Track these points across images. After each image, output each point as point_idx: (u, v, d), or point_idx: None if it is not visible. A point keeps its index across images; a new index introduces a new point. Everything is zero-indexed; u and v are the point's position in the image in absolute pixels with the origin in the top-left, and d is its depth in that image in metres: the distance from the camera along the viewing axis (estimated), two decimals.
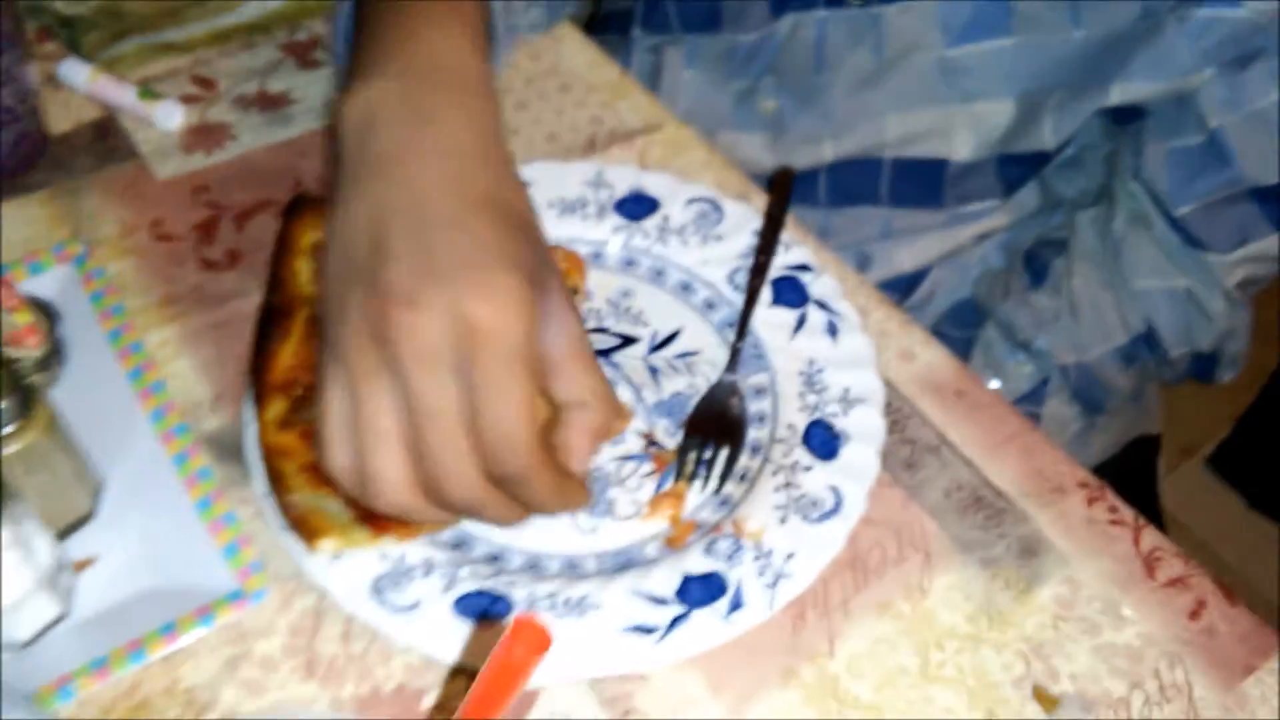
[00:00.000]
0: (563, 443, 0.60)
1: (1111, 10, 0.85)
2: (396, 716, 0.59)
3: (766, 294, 0.73)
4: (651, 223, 0.77)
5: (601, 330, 0.73)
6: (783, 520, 0.64)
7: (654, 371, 0.72)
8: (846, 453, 0.66)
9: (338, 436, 0.57)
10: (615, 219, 0.77)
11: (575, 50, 0.91)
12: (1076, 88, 0.89)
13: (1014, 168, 0.92)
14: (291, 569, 0.63)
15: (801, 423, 0.68)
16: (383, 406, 0.55)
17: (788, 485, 0.65)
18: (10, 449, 0.59)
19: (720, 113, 0.97)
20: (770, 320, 0.73)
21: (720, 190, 0.79)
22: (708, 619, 0.60)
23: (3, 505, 0.56)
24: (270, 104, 0.87)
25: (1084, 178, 0.94)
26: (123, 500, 0.65)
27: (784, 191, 0.77)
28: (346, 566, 0.61)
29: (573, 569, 0.63)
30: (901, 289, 0.95)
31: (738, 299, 0.74)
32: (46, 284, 0.74)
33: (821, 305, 0.72)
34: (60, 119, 0.85)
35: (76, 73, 0.87)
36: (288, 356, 0.66)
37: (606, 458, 0.68)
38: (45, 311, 0.71)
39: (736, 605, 0.61)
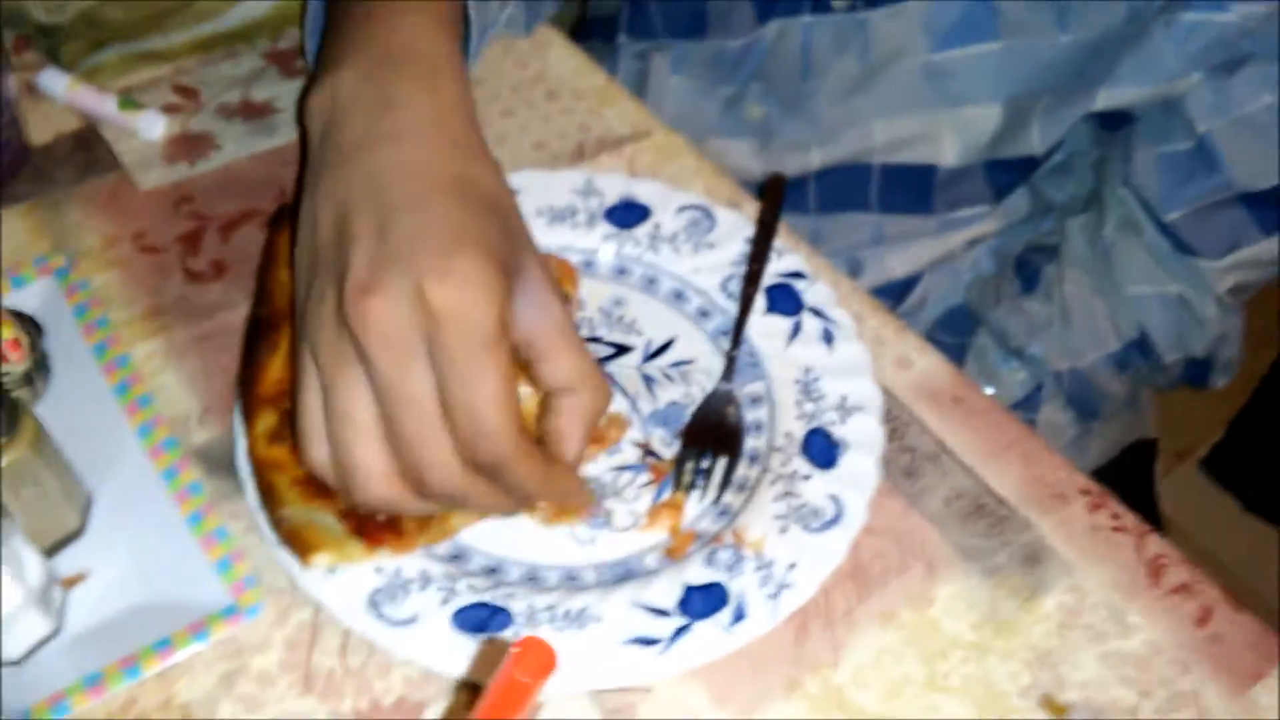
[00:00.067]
0: (553, 429, 0.59)
1: (1097, 14, 0.85)
2: None
3: (760, 302, 0.73)
4: (643, 231, 0.76)
5: (595, 340, 0.73)
6: (783, 530, 0.63)
7: (649, 381, 0.71)
8: (846, 461, 0.66)
9: (315, 431, 0.56)
10: (606, 227, 0.77)
11: (561, 57, 0.90)
12: (1063, 92, 0.89)
13: (1003, 173, 0.92)
14: (286, 582, 0.62)
15: (799, 431, 0.67)
16: (356, 398, 0.54)
17: (787, 495, 0.65)
18: None
19: (707, 120, 0.96)
20: (765, 328, 0.72)
21: (711, 198, 0.79)
22: (710, 630, 0.59)
23: None
24: (254, 113, 0.86)
25: (1074, 183, 0.94)
26: (112, 516, 0.64)
27: (776, 198, 0.77)
28: (342, 581, 0.60)
29: (572, 580, 0.63)
30: (893, 295, 0.95)
31: (731, 307, 0.73)
32: (29, 297, 0.72)
33: (816, 313, 0.72)
34: (40, 130, 0.84)
35: (56, 83, 0.85)
36: (277, 369, 0.65)
37: (603, 468, 0.67)
38: (28, 325, 0.69)
39: (739, 616, 0.60)
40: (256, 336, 0.67)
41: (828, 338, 0.71)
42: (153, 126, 0.84)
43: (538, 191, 0.77)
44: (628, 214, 0.77)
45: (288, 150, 0.83)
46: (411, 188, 0.56)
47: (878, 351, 0.72)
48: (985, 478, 0.67)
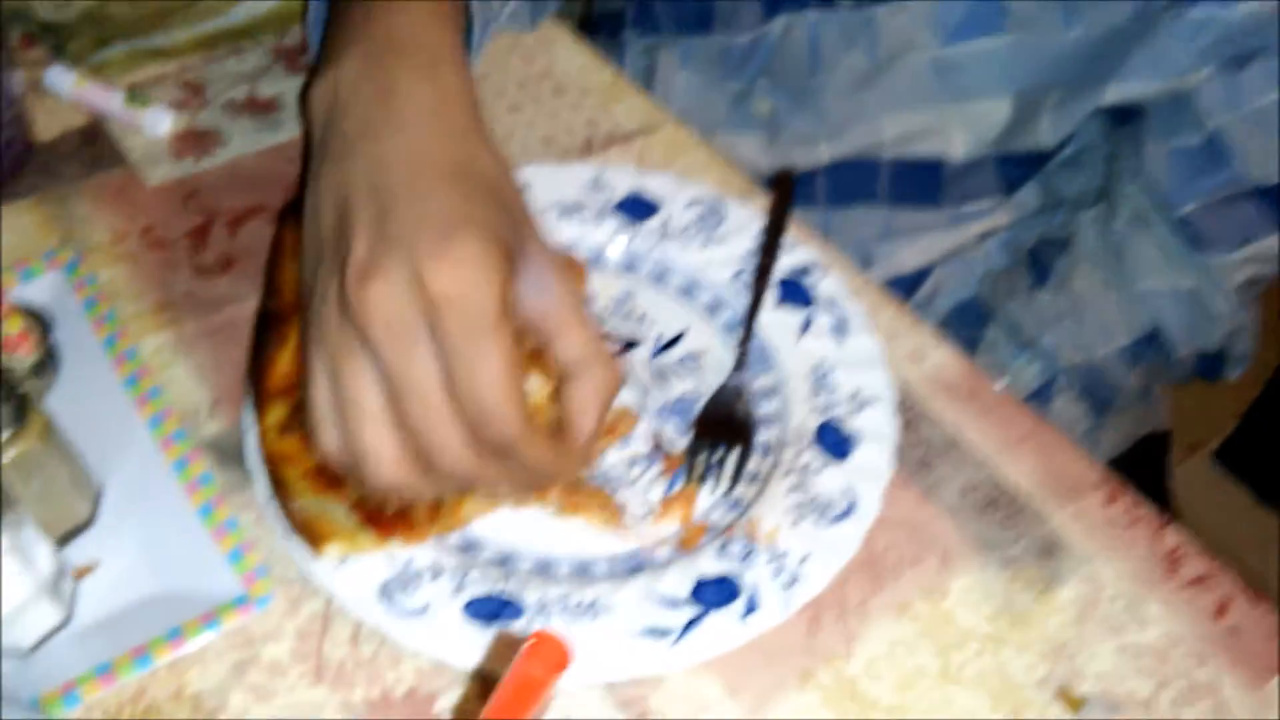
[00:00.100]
0: (567, 407, 0.59)
1: (1105, 9, 0.85)
2: None
3: (772, 295, 0.72)
4: (652, 225, 0.76)
5: (605, 334, 0.72)
6: (796, 522, 0.63)
7: (660, 374, 0.71)
8: (859, 453, 0.65)
9: (325, 419, 0.56)
10: (615, 221, 0.76)
11: (568, 53, 0.90)
12: (1073, 87, 0.88)
13: (1013, 167, 0.91)
14: (297, 573, 0.62)
15: (812, 424, 0.67)
16: (363, 384, 0.54)
17: (800, 487, 0.64)
18: (6, 457, 0.58)
19: (715, 115, 0.96)
20: (776, 321, 0.72)
21: (722, 191, 0.78)
22: (723, 621, 0.59)
23: (0, 513, 0.54)
24: (260, 109, 0.86)
25: (1084, 177, 0.93)
26: (122, 507, 0.63)
27: (786, 191, 0.76)
28: (353, 571, 0.60)
29: (583, 572, 0.62)
30: (904, 289, 0.94)
31: (742, 301, 0.73)
32: (38, 291, 0.72)
33: (828, 305, 0.72)
34: (47, 126, 0.84)
35: (62, 79, 0.85)
36: (286, 362, 0.65)
37: (616, 461, 0.67)
38: (37, 318, 0.69)
39: (752, 608, 0.59)
40: (266, 330, 0.66)
41: (840, 330, 0.70)
42: (159, 123, 0.83)
43: (547, 186, 0.77)
44: (637, 208, 0.77)
45: (294, 146, 0.83)
46: (411, 175, 0.56)
47: (891, 344, 0.72)
48: (1000, 470, 0.67)
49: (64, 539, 0.62)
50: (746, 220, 0.76)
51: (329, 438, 0.57)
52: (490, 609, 0.59)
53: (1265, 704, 0.59)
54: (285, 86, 0.87)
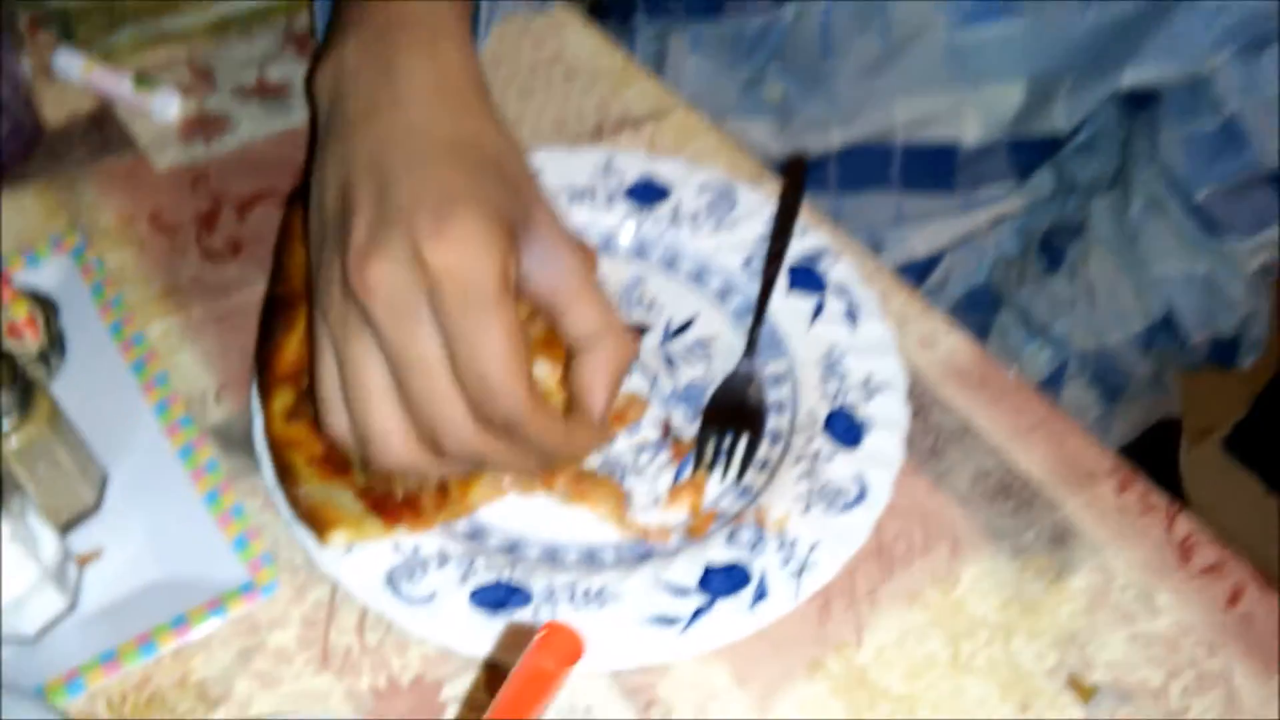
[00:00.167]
0: (578, 383, 0.59)
1: None
2: (414, 709, 0.57)
3: (783, 281, 0.72)
4: (663, 210, 0.76)
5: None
6: (806, 509, 0.62)
7: (669, 360, 0.70)
8: (870, 441, 0.65)
9: (333, 400, 0.56)
10: (626, 206, 0.76)
11: (579, 37, 0.89)
12: (1088, 71, 0.87)
13: (1026, 152, 0.91)
14: (303, 559, 0.61)
15: (822, 411, 0.66)
16: (368, 364, 0.54)
17: (810, 474, 0.64)
18: (11, 443, 0.58)
19: (726, 100, 0.95)
20: (787, 307, 0.71)
21: (733, 176, 0.78)
22: (732, 610, 0.58)
23: (4, 499, 0.54)
24: (269, 94, 0.86)
25: (1099, 163, 0.93)
26: (128, 493, 0.63)
27: (798, 177, 0.76)
28: (359, 558, 0.60)
29: (591, 559, 0.62)
30: (915, 275, 0.93)
31: (753, 286, 0.72)
32: (45, 276, 0.72)
33: (840, 291, 0.71)
34: (55, 110, 0.83)
35: (71, 63, 0.85)
36: (294, 347, 0.65)
37: (624, 447, 0.66)
38: (44, 304, 0.69)
39: (761, 596, 0.59)
40: (273, 315, 0.66)
41: (851, 316, 0.70)
42: (168, 107, 0.83)
43: (557, 170, 0.76)
44: (648, 193, 0.76)
45: (303, 130, 0.82)
46: (410, 152, 0.56)
47: (902, 330, 0.71)
48: (1011, 457, 0.66)
49: (68, 526, 0.61)
50: (758, 205, 0.75)
51: (337, 420, 0.56)
52: (497, 597, 0.59)
53: (1277, 693, 0.58)
54: (294, 71, 0.87)
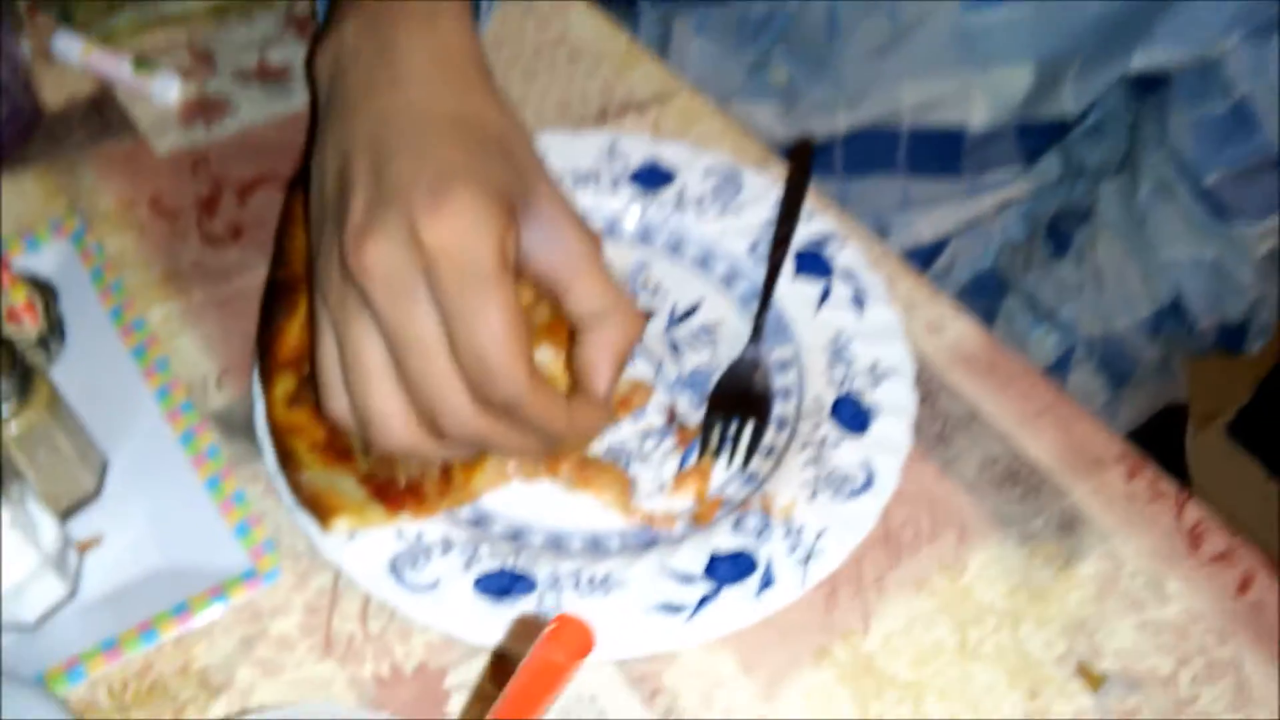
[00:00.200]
0: (581, 362, 0.58)
1: None
2: (418, 697, 0.56)
3: (789, 265, 0.71)
4: (668, 194, 0.75)
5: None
6: (813, 496, 0.61)
7: (674, 346, 0.70)
8: (877, 427, 0.64)
9: (333, 382, 0.56)
10: (630, 190, 0.75)
11: (583, 19, 0.89)
12: (1097, 54, 0.87)
13: (1034, 136, 0.90)
14: (306, 546, 0.61)
15: (829, 397, 0.66)
16: (367, 345, 0.53)
17: (817, 460, 0.63)
18: (10, 429, 0.57)
19: (731, 83, 0.94)
20: (794, 292, 0.70)
21: (738, 159, 0.77)
22: (738, 597, 0.58)
23: (4, 485, 0.54)
24: (270, 77, 0.85)
25: (1107, 147, 0.92)
26: (128, 480, 0.63)
27: (805, 161, 0.75)
28: (362, 545, 0.59)
29: (596, 546, 0.61)
30: (921, 260, 0.93)
31: (759, 271, 0.72)
32: (44, 260, 0.71)
33: (847, 276, 0.70)
34: (54, 93, 0.83)
35: (70, 46, 0.84)
36: (295, 333, 0.64)
37: (629, 434, 0.66)
38: (43, 288, 0.68)
39: (767, 583, 0.58)
40: (275, 300, 0.65)
41: (858, 302, 0.69)
42: (168, 90, 0.82)
43: (561, 154, 0.75)
44: (653, 177, 0.75)
45: (304, 114, 0.82)
46: (409, 129, 0.55)
47: (909, 316, 0.70)
48: (1019, 444, 0.65)
49: (69, 512, 0.61)
50: (763, 190, 0.75)
51: (337, 402, 0.56)
52: (501, 584, 0.58)
53: None
54: (295, 54, 0.86)
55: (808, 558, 0.59)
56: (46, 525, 0.57)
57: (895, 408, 0.65)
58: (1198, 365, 1.00)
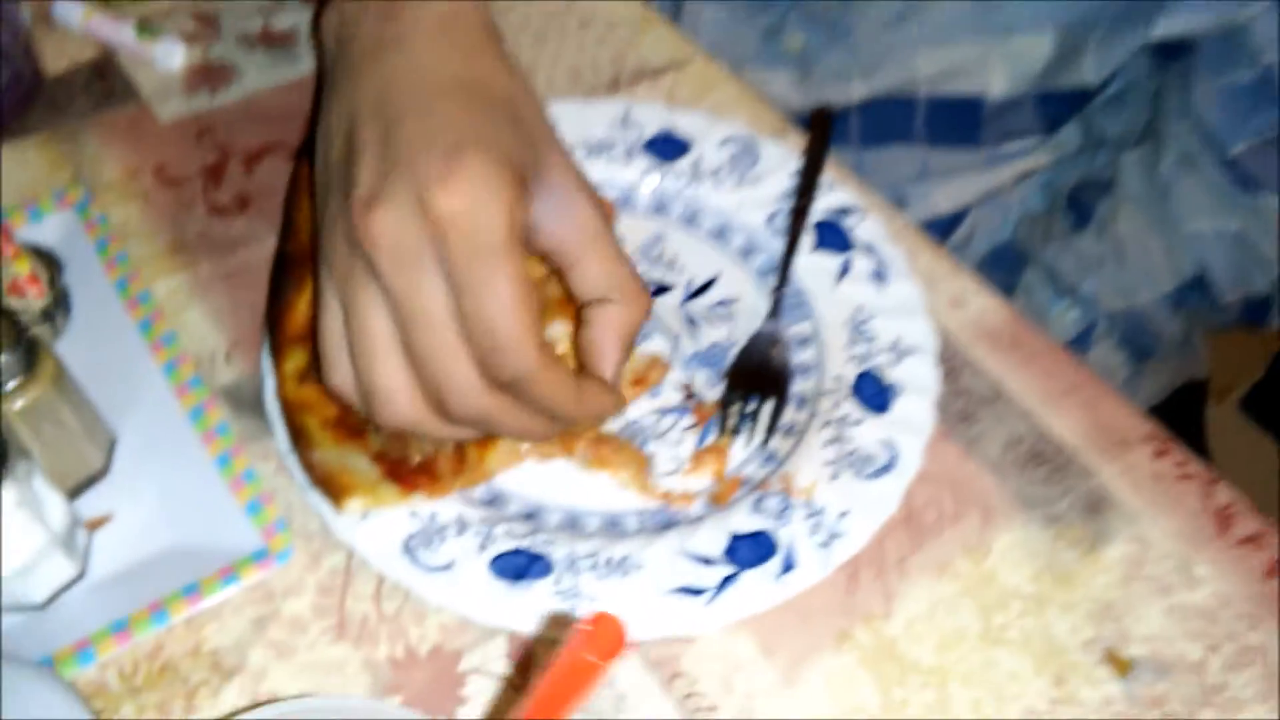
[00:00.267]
0: (587, 344, 0.57)
1: None
2: (433, 679, 0.56)
3: (808, 238, 0.70)
4: (683, 164, 0.73)
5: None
6: (834, 476, 0.60)
7: (691, 321, 0.68)
8: (899, 405, 0.63)
9: (336, 353, 0.54)
10: (645, 161, 0.74)
11: None
12: (1120, 21, 0.85)
13: (1054, 105, 0.88)
14: (318, 525, 0.60)
15: (850, 374, 0.64)
16: (373, 316, 0.52)
17: (838, 440, 0.62)
18: (15, 404, 0.56)
19: (745, 50, 0.92)
20: (813, 266, 0.69)
21: (755, 129, 0.75)
22: (759, 580, 0.57)
23: (10, 463, 0.52)
24: (275, 42, 0.83)
25: (1128, 116, 0.90)
26: (137, 457, 0.62)
27: (824, 130, 0.73)
28: (375, 525, 0.58)
29: (613, 527, 0.60)
30: (938, 232, 0.91)
31: (776, 244, 0.70)
32: (47, 231, 0.70)
33: (867, 250, 0.69)
34: (55, 59, 0.81)
35: (71, 11, 0.82)
36: (304, 306, 0.63)
37: (645, 411, 0.64)
38: (47, 260, 0.67)
39: (788, 566, 0.57)
40: (283, 272, 0.64)
41: (879, 276, 0.68)
42: (171, 55, 0.81)
43: (573, 123, 0.74)
44: (667, 147, 0.74)
45: (310, 81, 0.80)
46: (417, 93, 0.54)
47: (930, 290, 0.69)
48: (1045, 422, 0.64)
49: (76, 490, 0.60)
50: (781, 160, 0.73)
51: (340, 373, 0.55)
52: (517, 565, 0.57)
53: None
54: (300, 19, 0.84)
55: (830, 540, 0.58)
56: (54, 504, 0.56)
57: (918, 386, 0.63)
58: (1218, 339, 0.99)
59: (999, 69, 0.87)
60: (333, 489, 0.58)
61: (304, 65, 0.81)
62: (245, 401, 0.64)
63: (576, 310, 0.58)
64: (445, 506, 0.59)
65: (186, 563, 0.58)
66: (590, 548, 0.58)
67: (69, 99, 0.79)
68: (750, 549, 0.58)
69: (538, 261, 0.58)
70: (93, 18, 0.82)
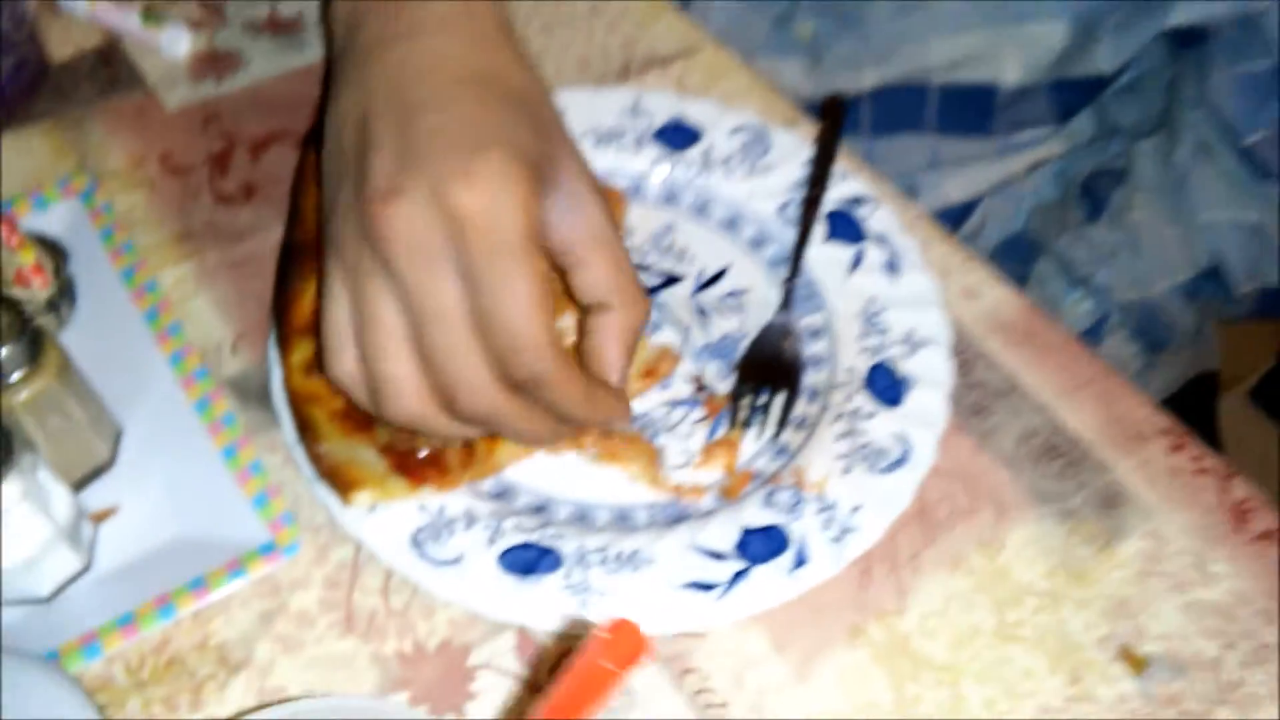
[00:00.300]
0: (590, 352, 0.56)
1: None
2: (442, 674, 0.55)
3: (820, 229, 0.69)
4: (694, 153, 0.73)
5: (644, 268, 0.69)
6: (847, 470, 0.60)
7: (701, 312, 0.67)
8: (912, 398, 0.62)
9: (340, 341, 0.53)
10: (655, 150, 0.73)
11: None
12: (1134, 8, 0.84)
13: (1068, 94, 0.87)
14: (325, 518, 0.59)
15: (863, 366, 0.64)
16: (384, 309, 0.51)
17: (850, 433, 0.61)
18: (19, 395, 0.56)
19: (755, 38, 0.92)
20: (825, 257, 0.68)
21: (766, 118, 0.75)
22: (770, 575, 0.56)
23: (14, 455, 0.52)
24: (281, 29, 0.82)
25: (1143, 105, 0.89)
26: (143, 448, 0.61)
27: (837, 119, 0.73)
28: (383, 518, 0.58)
29: (623, 520, 0.60)
30: (950, 222, 0.90)
31: (788, 234, 0.69)
32: (52, 220, 0.69)
33: (880, 240, 0.68)
34: (61, 46, 0.80)
35: None
36: (311, 297, 0.62)
37: (655, 403, 0.64)
38: (52, 249, 0.66)
39: (801, 561, 0.57)
40: (290, 262, 0.63)
41: (892, 267, 0.67)
42: (176, 42, 0.80)
43: (582, 112, 0.73)
44: (678, 135, 0.73)
45: (317, 68, 0.79)
46: (431, 84, 0.53)
47: (944, 282, 0.68)
48: (1060, 416, 0.63)
49: (82, 482, 0.59)
50: (793, 149, 0.72)
51: (343, 362, 0.54)
52: (527, 559, 0.57)
53: None
54: (307, 5, 0.84)
55: (842, 534, 0.57)
56: (59, 496, 0.55)
57: (931, 379, 0.63)
58: (1230, 330, 0.98)
59: (1012, 57, 0.86)
60: (340, 482, 0.57)
61: (310, 52, 0.80)
62: (252, 393, 0.63)
63: (580, 308, 0.57)
64: (454, 500, 0.59)
65: (193, 556, 0.57)
66: (600, 542, 0.58)
67: (74, 86, 0.78)
68: (762, 544, 0.57)
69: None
70: (98, 4, 0.81)
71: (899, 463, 0.60)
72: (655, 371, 0.64)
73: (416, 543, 0.57)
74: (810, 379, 0.64)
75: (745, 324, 0.67)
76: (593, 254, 0.54)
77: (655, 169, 0.72)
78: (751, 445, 0.62)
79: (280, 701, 0.54)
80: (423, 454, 0.59)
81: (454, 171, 0.49)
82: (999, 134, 0.89)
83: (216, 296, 0.67)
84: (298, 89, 0.78)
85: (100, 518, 0.59)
